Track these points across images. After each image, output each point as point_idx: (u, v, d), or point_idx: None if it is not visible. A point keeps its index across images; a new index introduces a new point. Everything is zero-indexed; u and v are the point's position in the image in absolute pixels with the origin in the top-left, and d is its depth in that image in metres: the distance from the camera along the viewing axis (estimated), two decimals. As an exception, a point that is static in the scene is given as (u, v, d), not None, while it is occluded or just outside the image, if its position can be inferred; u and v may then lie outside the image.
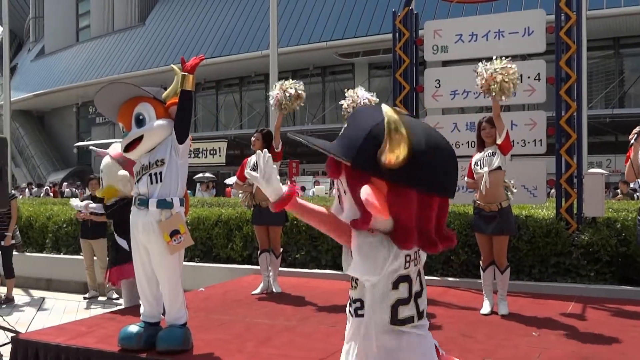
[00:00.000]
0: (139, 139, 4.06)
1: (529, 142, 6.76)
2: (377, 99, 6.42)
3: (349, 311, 1.94)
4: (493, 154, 5.28)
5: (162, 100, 4.24)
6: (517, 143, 6.72)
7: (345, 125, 1.76)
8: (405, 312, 1.84)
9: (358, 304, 1.89)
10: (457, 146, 7.10)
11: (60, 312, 7.39)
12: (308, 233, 7.50)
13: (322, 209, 1.92)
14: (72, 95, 37.09)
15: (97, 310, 7.20)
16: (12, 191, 9.71)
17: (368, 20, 24.93)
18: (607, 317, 5.23)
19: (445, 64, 7.75)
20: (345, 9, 26.18)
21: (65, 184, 28.46)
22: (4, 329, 5.33)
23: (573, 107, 6.62)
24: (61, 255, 9.46)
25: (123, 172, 5.46)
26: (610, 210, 7.17)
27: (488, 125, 5.34)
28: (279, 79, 6.79)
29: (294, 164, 24.37)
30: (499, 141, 5.25)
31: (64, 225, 9.65)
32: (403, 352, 1.84)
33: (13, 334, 4.87)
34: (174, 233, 4.03)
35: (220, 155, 26.60)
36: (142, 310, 4.34)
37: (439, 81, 7.28)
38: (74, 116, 40.30)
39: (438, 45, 7.28)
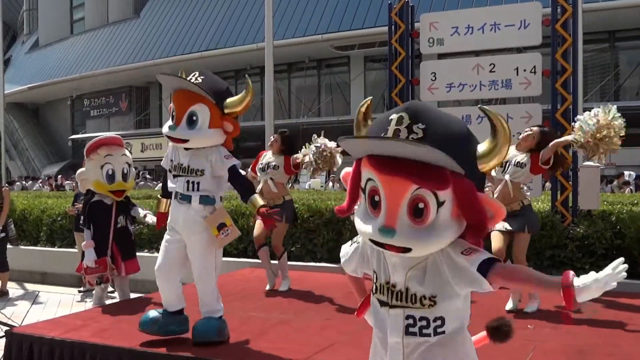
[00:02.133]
0: (185, 140, 4.04)
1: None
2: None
3: (418, 333, 1.84)
4: (522, 165, 5.05)
5: (222, 106, 4.09)
6: (513, 136, 6.68)
7: (420, 131, 1.68)
8: None
9: (439, 322, 1.82)
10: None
11: (55, 306, 7.37)
12: (303, 226, 7.49)
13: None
14: (67, 87, 36.90)
15: (92, 304, 7.18)
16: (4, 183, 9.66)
17: (364, 12, 24.85)
18: (602, 309, 5.23)
19: (441, 56, 7.73)
20: (341, 2, 26.08)
21: (60, 177, 28.33)
22: (-2, 322, 5.32)
23: (569, 100, 6.62)
24: (56, 249, 9.43)
25: (79, 171, 5.63)
26: (605, 203, 7.19)
27: (536, 132, 5.07)
28: (275, 72, 6.71)
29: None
30: (540, 163, 5.00)
31: (59, 219, 9.60)
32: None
33: (7, 328, 4.85)
34: (221, 226, 4.12)
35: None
36: (163, 299, 4.34)
37: (435, 74, 7.26)
38: (68, 109, 40.08)
39: (434, 37, 7.27)
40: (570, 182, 6.60)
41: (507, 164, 5.09)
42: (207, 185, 4.14)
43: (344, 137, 1.68)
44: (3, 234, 8.06)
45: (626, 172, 15.69)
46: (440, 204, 1.67)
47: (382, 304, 1.89)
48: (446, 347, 1.83)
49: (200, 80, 4.04)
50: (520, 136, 5.23)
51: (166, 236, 4.30)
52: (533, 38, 6.86)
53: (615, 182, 15.15)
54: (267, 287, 6.20)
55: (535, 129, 5.18)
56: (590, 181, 6.56)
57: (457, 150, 1.64)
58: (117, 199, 5.86)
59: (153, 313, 4.27)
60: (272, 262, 6.33)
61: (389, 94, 7.52)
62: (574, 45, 6.70)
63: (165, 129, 4.14)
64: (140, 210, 6.20)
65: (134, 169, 6.10)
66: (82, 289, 8.15)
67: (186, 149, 4.15)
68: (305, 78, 29.06)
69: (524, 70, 6.77)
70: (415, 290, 1.80)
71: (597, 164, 6.93)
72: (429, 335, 1.82)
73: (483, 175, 1.81)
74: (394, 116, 1.71)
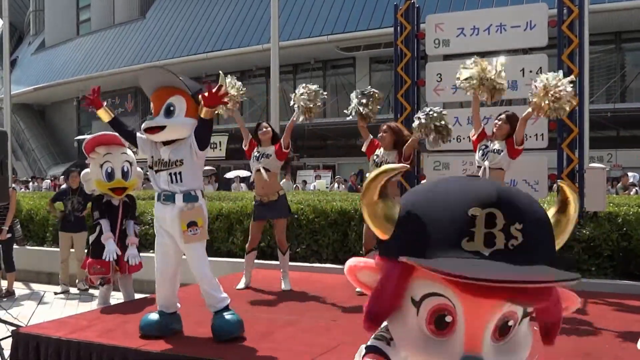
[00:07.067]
0: (162, 127, 4.15)
1: (530, 137, 6.72)
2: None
3: None
4: (499, 152, 5.24)
5: (198, 100, 4.26)
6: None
7: (519, 234, 1.05)
8: None
9: None
10: (459, 140, 7.08)
11: (61, 306, 7.40)
12: (309, 227, 7.49)
13: None
14: (73, 88, 36.95)
15: (96, 304, 7.20)
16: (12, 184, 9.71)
17: (369, 13, 24.84)
18: (608, 311, 5.22)
19: (447, 57, 7.72)
20: (347, 3, 26.07)
21: (62, 177, 28.35)
22: (5, 322, 5.34)
23: (575, 102, 6.60)
24: (62, 249, 9.45)
25: (84, 172, 5.82)
26: (612, 204, 7.16)
27: (503, 119, 5.32)
28: (280, 73, 6.73)
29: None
30: (516, 145, 5.25)
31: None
32: None
33: (14, 328, 4.87)
34: (191, 224, 4.21)
35: (220, 149, 26.58)
36: (158, 300, 4.44)
37: (441, 75, 7.25)
38: (74, 110, 40.18)
39: (439, 39, 7.26)
40: (577, 184, 6.59)
41: (487, 152, 5.33)
42: (188, 175, 4.24)
43: (424, 261, 1.03)
44: (9, 235, 8.10)
45: (630, 174, 15.62)
46: (527, 314, 1.24)
47: None
48: None
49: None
50: (494, 129, 5.47)
51: (159, 238, 4.40)
52: (539, 39, 6.85)
53: (620, 184, 15.07)
54: (240, 286, 6.37)
55: (503, 116, 5.39)
56: (597, 183, 6.54)
57: (553, 246, 1.16)
58: (118, 197, 5.91)
59: (153, 315, 4.37)
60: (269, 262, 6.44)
61: (395, 96, 7.51)
62: (580, 47, 6.69)
63: (143, 126, 4.31)
64: (133, 227, 6.24)
65: (139, 169, 6.13)
66: (58, 290, 8.18)
67: (165, 143, 4.25)
68: (311, 79, 29.02)
69: (530, 72, 6.75)
70: None
71: (604, 166, 6.93)
72: None
73: None
74: (478, 212, 1.05)
